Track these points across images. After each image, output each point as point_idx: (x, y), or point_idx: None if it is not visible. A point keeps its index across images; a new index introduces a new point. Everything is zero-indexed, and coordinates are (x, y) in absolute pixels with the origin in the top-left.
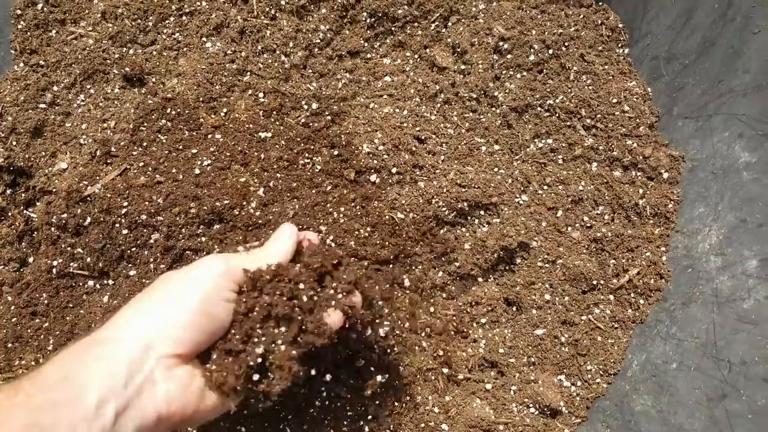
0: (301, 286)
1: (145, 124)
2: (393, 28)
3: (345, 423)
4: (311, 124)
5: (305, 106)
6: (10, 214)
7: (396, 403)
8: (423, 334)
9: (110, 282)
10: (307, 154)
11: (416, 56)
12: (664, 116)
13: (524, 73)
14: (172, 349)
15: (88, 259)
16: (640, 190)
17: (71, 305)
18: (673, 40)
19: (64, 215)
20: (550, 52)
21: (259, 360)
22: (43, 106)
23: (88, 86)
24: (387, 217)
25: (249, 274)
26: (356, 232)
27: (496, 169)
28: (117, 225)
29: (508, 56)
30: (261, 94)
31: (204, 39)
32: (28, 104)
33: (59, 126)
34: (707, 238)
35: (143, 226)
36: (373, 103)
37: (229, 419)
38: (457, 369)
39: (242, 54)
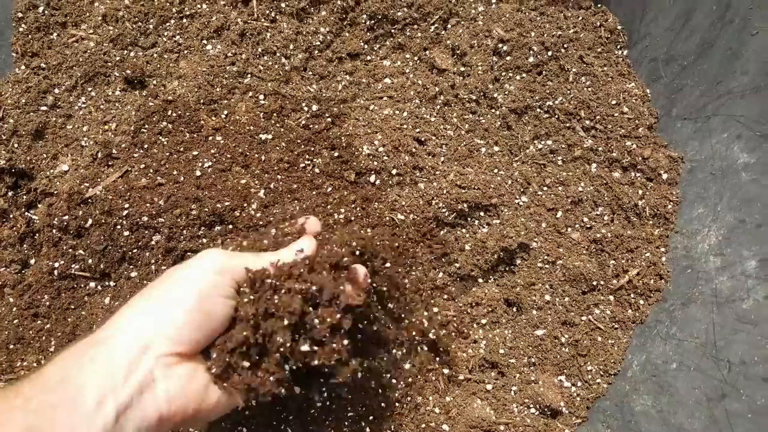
0: (303, 286)
1: (146, 126)
2: (393, 31)
3: (346, 423)
4: (311, 125)
5: (305, 108)
6: (11, 216)
7: (397, 404)
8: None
9: (112, 283)
10: (307, 156)
11: (416, 58)
12: (663, 117)
13: (523, 75)
14: (171, 348)
15: (90, 261)
16: (640, 191)
17: (73, 307)
18: (671, 42)
19: (66, 217)
20: (549, 53)
21: (258, 357)
22: (44, 108)
23: (89, 89)
24: (387, 218)
25: (250, 274)
26: None
27: (495, 171)
28: (118, 227)
29: (508, 58)
30: (261, 96)
31: (204, 41)
32: (29, 107)
33: (60, 128)
34: (706, 239)
35: (144, 227)
36: (373, 105)
37: (230, 419)
38: (458, 369)
39: (243, 56)
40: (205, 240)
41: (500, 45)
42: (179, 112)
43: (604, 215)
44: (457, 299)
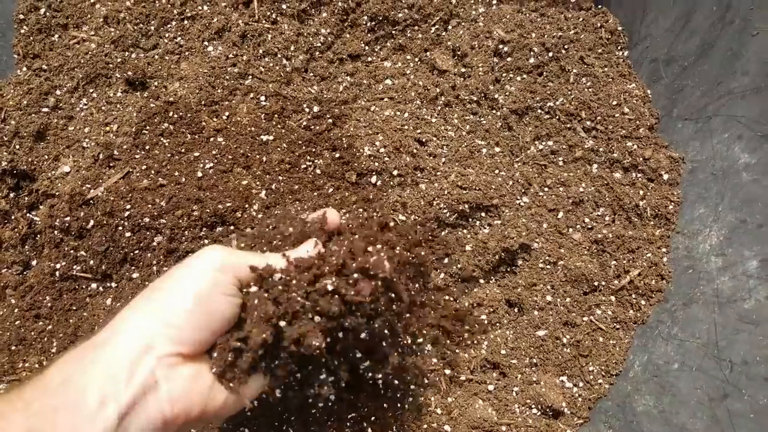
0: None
1: (148, 127)
2: (393, 32)
3: (348, 424)
4: (313, 127)
5: (307, 109)
6: (13, 217)
7: (398, 405)
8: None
9: (113, 284)
10: (308, 157)
11: (417, 59)
12: (663, 118)
13: (524, 76)
14: (174, 349)
15: (91, 262)
16: (641, 192)
17: (74, 308)
18: (672, 43)
19: (67, 218)
20: (550, 54)
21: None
22: (45, 110)
23: (91, 90)
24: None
25: (258, 271)
26: None
27: (496, 171)
28: (120, 228)
29: (508, 59)
30: (263, 98)
31: (206, 43)
32: (31, 108)
33: (62, 130)
34: (708, 239)
35: (146, 228)
36: (374, 106)
37: (231, 420)
38: (460, 370)
39: (244, 58)
40: (206, 241)
41: (501, 46)
42: (180, 114)
43: (606, 216)
44: (459, 300)
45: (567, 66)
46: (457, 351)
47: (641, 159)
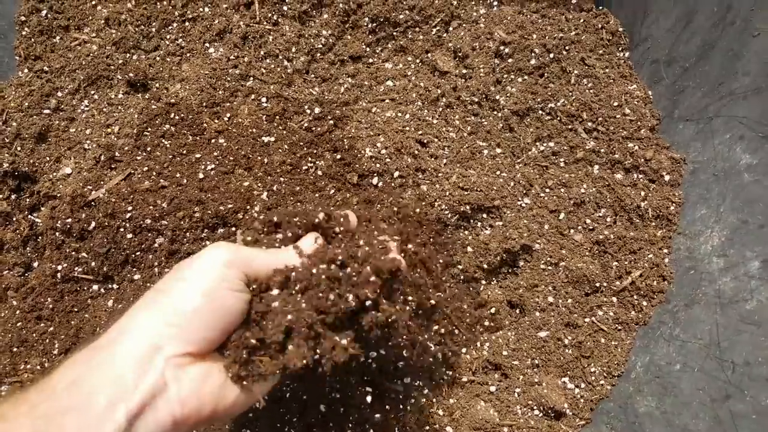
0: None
1: (149, 129)
2: (394, 33)
3: (349, 425)
4: (314, 128)
5: (308, 111)
6: (14, 219)
7: (400, 406)
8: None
9: (115, 286)
10: (310, 158)
11: (418, 60)
12: (665, 119)
13: (525, 77)
14: (182, 348)
15: (93, 264)
16: (642, 193)
17: (76, 309)
18: (673, 44)
19: (69, 220)
20: (551, 55)
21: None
22: (47, 111)
23: (92, 92)
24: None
25: (278, 272)
26: None
27: (498, 173)
28: (121, 229)
29: (509, 60)
30: (264, 99)
31: (207, 44)
32: (32, 110)
33: (63, 131)
34: (709, 240)
35: (148, 230)
36: (375, 108)
37: (233, 421)
38: (461, 371)
39: (245, 59)
40: (208, 242)
41: (502, 47)
42: (182, 115)
43: (607, 217)
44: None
45: (568, 67)
46: (462, 351)
47: (642, 160)
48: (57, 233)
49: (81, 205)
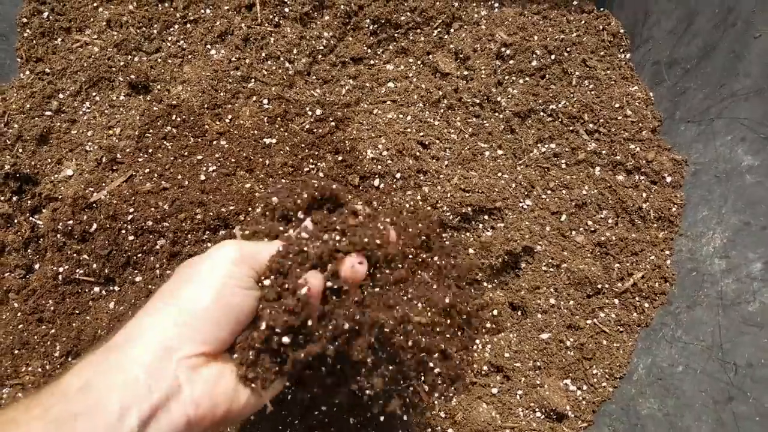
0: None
1: (151, 130)
2: (396, 35)
3: (351, 428)
4: (315, 130)
5: (309, 112)
6: (16, 221)
7: (402, 408)
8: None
9: (116, 288)
10: (311, 160)
11: (419, 62)
12: (666, 120)
13: (527, 79)
14: (195, 349)
15: (94, 266)
16: (644, 194)
17: (77, 311)
18: (674, 45)
19: (70, 222)
20: (552, 57)
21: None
22: (48, 113)
23: (94, 93)
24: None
25: (271, 259)
26: None
27: (499, 174)
28: (123, 231)
29: (511, 62)
30: (265, 101)
31: (208, 46)
32: (34, 112)
33: (65, 133)
34: (711, 242)
35: (149, 232)
36: (376, 109)
37: (235, 423)
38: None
39: (246, 61)
40: (209, 244)
41: (503, 49)
42: (183, 117)
43: (609, 218)
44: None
45: (569, 69)
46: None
47: (644, 161)
48: (58, 235)
49: (82, 207)
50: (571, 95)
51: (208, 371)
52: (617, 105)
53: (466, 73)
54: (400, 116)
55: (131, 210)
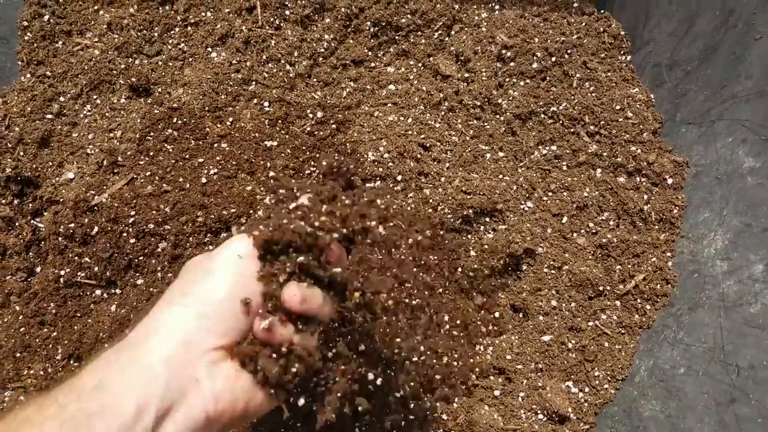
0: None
1: (152, 133)
2: (396, 37)
3: (354, 431)
4: (316, 132)
5: (310, 115)
6: (17, 224)
7: (405, 411)
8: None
9: (118, 291)
10: (312, 163)
11: (420, 65)
12: (667, 122)
13: (527, 81)
14: (213, 342)
15: (96, 269)
16: (645, 196)
17: (79, 314)
18: (675, 47)
19: (72, 225)
20: (553, 59)
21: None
22: (49, 116)
23: (95, 96)
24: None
25: (256, 240)
26: None
27: (500, 176)
28: (124, 234)
29: (511, 64)
30: (266, 103)
31: (209, 49)
32: (35, 115)
33: (66, 136)
34: (713, 243)
35: (150, 235)
36: (377, 111)
37: (251, 422)
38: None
39: (247, 64)
40: (211, 247)
41: (504, 51)
42: (184, 120)
43: (610, 220)
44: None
45: (570, 71)
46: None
47: (645, 163)
48: (60, 238)
49: (84, 210)
50: (572, 97)
51: (227, 365)
52: (618, 107)
53: (466, 75)
54: (401, 118)
55: (132, 213)
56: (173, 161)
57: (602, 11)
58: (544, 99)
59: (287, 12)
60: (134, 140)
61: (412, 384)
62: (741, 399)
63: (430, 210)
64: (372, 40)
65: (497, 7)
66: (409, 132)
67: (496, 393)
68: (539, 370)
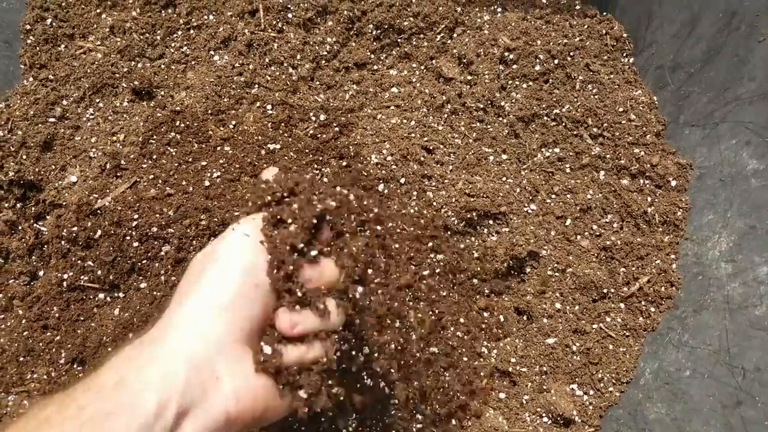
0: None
1: (155, 137)
2: (399, 40)
3: None
4: (319, 135)
5: (313, 118)
6: (20, 227)
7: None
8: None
9: (121, 295)
10: (315, 166)
11: (422, 67)
12: (670, 124)
13: (530, 83)
14: (232, 335)
15: (99, 272)
16: (649, 198)
17: (82, 318)
18: (678, 49)
19: (75, 228)
20: (556, 61)
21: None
22: (52, 120)
23: (97, 100)
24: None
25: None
26: None
27: (504, 179)
28: (127, 237)
29: (514, 66)
30: (269, 106)
31: (212, 52)
32: (37, 118)
33: (69, 140)
34: (717, 245)
35: (154, 238)
36: (380, 114)
37: (271, 423)
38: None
39: (250, 67)
40: None
41: (506, 53)
42: (187, 123)
43: (614, 223)
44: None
45: (573, 73)
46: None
47: (648, 165)
48: (63, 242)
49: (87, 214)
50: (575, 99)
51: (249, 362)
52: (621, 109)
53: (469, 77)
54: (404, 121)
55: (136, 216)
56: (176, 164)
57: (605, 14)
58: (546, 101)
59: (290, 15)
60: (137, 144)
61: (418, 389)
62: (747, 402)
63: (433, 212)
64: (374, 43)
65: (499, 9)
66: (412, 135)
67: (501, 396)
68: (544, 373)
